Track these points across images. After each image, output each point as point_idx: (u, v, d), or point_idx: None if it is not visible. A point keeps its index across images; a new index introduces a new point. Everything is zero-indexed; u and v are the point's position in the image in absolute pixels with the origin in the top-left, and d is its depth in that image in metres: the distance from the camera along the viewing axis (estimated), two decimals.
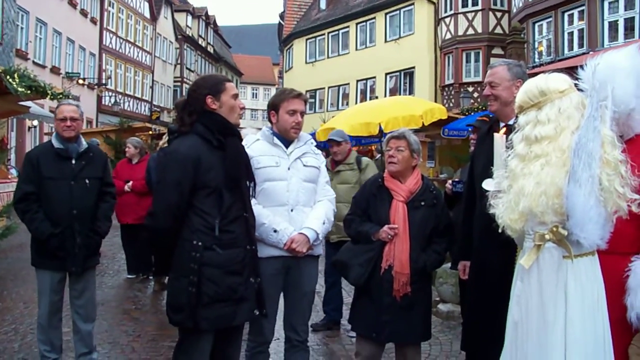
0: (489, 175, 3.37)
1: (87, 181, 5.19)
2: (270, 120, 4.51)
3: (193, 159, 3.56)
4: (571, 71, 3.19)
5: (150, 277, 9.43)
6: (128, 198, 9.15)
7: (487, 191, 3.33)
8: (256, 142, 4.44)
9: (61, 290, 5.25)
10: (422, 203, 4.44)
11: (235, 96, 3.83)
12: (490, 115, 6.55)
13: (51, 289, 5.13)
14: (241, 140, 3.97)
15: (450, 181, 6.02)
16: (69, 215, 5.05)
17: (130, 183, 9.26)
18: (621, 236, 2.95)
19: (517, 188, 2.89)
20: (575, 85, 2.98)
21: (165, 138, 9.26)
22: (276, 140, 4.40)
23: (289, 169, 4.34)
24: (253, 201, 4.09)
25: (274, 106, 4.45)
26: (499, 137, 3.35)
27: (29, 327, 6.64)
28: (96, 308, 5.64)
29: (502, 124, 3.96)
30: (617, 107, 3.02)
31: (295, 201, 4.32)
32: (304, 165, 4.42)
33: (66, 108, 5.20)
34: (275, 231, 4.19)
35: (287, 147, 4.41)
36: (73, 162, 5.14)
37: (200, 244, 3.54)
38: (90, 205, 5.21)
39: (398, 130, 4.62)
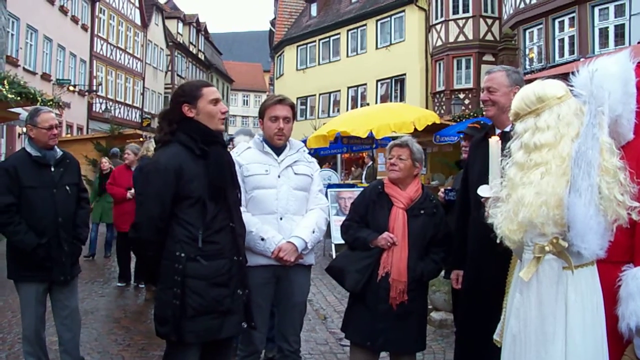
0: (485, 182, 3.32)
1: (67, 188, 5.12)
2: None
3: (174, 169, 3.49)
4: (563, 78, 3.14)
5: (141, 286, 9.35)
6: (129, 206, 8.92)
7: (482, 198, 3.28)
8: (247, 150, 4.41)
9: (45, 300, 5.15)
10: (422, 211, 4.41)
11: (215, 101, 3.71)
12: (481, 122, 6.53)
13: (37, 301, 5.02)
14: (225, 147, 3.89)
15: (442, 189, 5.99)
16: (55, 223, 4.96)
17: (133, 190, 9.07)
18: (614, 245, 2.90)
19: (516, 197, 2.83)
20: (570, 91, 2.94)
21: (145, 146, 9.16)
22: (266, 148, 4.37)
23: (279, 176, 4.30)
24: (242, 209, 4.04)
25: (260, 114, 4.46)
26: (494, 143, 3.29)
27: (16, 336, 6.56)
28: (80, 316, 5.52)
29: (497, 131, 3.92)
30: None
31: (284, 209, 4.29)
32: (295, 174, 4.38)
33: (50, 116, 5.08)
34: (262, 239, 4.15)
35: (278, 154, 4.37)
36: (52, 169, 5.05)
37: (183, 255, 3.47)
38: (72, 212, 5.17)
39: (401, 139, 4.60)
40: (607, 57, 3.14)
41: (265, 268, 4.20)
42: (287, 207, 4.30)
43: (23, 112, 15.83)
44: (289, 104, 4.42)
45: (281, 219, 4.27)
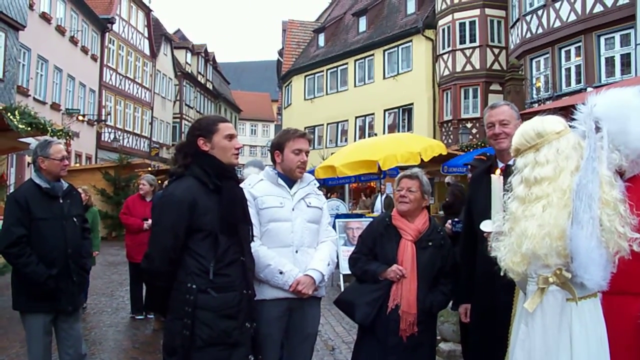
0: (489, 216, 3.34)
1: (74, 219, 5.19)
2: (273, 161, 4.49)
3: (189, 202, 3.54)
4: (565, 111, 3.19)
5: (150, 316, 9.33)
6: (145, 236, 8.82)
7: (485, 232, 3.31)
8: (260, 182, 4.41)
9: (52, 330, 5.16)
10: (430, 243, 4.41)
11: (230, 137, 3.78)
12: (487, 154, 6.57)
13: (44, 332, 5.04)
14: (238, 182, 3.94)
15: (450, 221, 6.01)
16: (64, 254, 5.01)
17: (150, 221, 8.96)
18: (631, 276, 2.92)
19: (519, 230, 2.86)
20: (570, 125, 2.99)
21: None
22: (280, 181, 4.38)
23: (293, 209, 4.31)
24: (258, 242, 4.07)
25: (278, 146, 4.43)
26: (496, 179, 3.33)
27: None
28: (83, 346, 5.45)
29: (500, 164, 3.95)
30: (631, 145, 3.04)
31: (300, 242, 4.29)
32: (308, 206, 4.40)
33: (61, 147, 5.15)
34: (281, 272, 4.14)
35: (290, 187, 4.39)
36: (60, 201, 5.11)
37: (194, 286, 3.50)
38: (80, 243, 5.22)
39: (411, 170, 4.60)
40: (620, 90, 3.17)
41: (280, 301, 4.20)
42: (302, 240, 4.31)
43: (33, 142, 15.96)
44: (309, 139, 4.50)
45: (297, 252, 4.28)
